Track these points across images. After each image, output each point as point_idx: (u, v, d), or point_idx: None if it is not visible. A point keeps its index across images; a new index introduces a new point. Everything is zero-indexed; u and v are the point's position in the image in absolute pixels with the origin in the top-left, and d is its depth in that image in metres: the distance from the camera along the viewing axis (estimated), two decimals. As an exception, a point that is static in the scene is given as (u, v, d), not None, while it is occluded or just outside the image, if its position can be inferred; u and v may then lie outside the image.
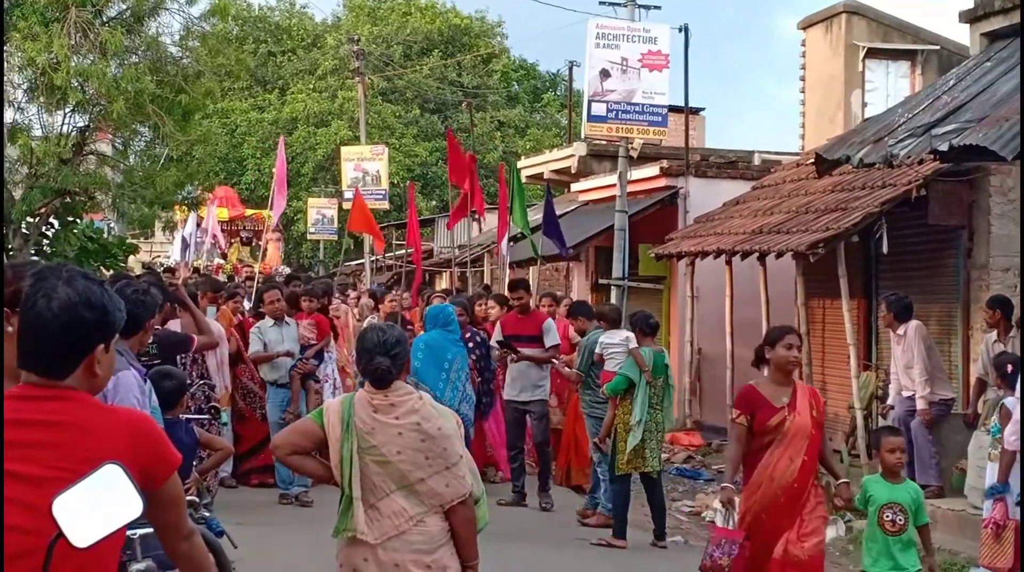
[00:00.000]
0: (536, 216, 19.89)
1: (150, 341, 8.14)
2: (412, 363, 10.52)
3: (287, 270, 36.14)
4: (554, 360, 12.69)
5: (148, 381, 6.11)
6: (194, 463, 7.32)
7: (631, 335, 11.35)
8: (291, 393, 12.25)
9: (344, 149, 34.14)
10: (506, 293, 14.20)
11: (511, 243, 22.71)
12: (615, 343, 11.43)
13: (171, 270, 19.78)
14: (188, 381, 8.44)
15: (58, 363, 3.19)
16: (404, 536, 5.07)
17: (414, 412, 5.14)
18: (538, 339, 12.62)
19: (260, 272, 23.45)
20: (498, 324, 13.23)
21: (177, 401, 7.10)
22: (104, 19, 15.95)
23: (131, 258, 25.12)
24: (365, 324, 13.99)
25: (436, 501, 5.11)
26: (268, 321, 12.58)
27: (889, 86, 20.93)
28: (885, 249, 13.40)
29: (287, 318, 12.68)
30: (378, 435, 5.08)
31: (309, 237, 40.28)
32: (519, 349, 12.49)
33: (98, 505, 2.88)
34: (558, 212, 21.50)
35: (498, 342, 12.83)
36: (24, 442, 3.08)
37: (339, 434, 5.11)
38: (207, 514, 7.38)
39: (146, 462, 3.20)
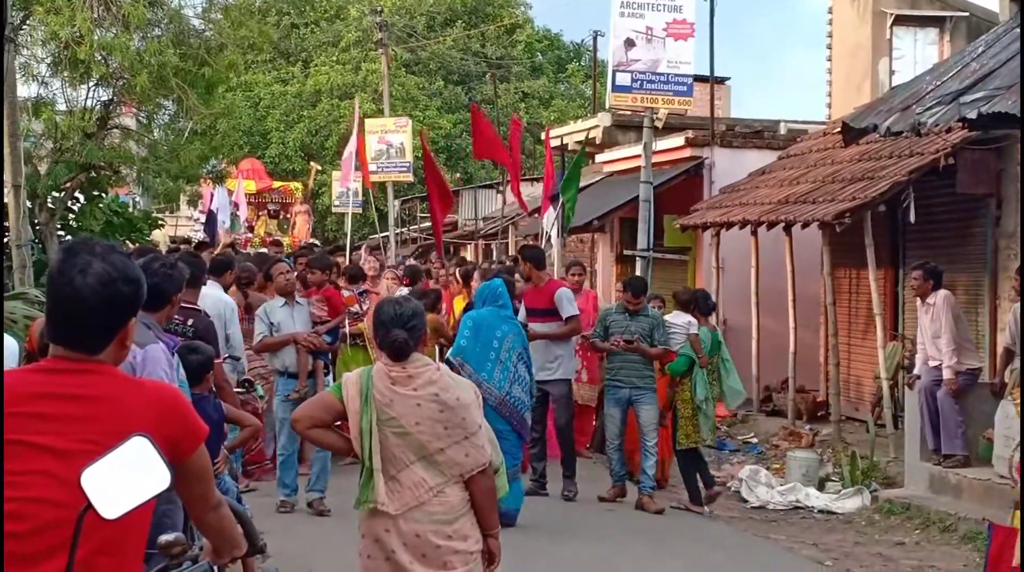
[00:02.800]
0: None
1: (190, 322, 8.17)
2: (458, 341, 10.10)
3: (316, 242, 36.12)
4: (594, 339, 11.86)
5: (176, 355, 6.14)
6: (223, 441, 7.34)
7: (693, 320, 11.78)
8: (298, 368, 10.50)
9: (368, 122, 34.08)
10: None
11: (534, 215, 22.63)
12: (678, 325, 11.79)
13: (202, 245, 19.59)
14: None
15: (96, 338, 3.20)
16: (424, 507, 5.11)
17: (432, 383, 5.18)
18: (553, 312, 11.65)
19: (291, 245, 23.40)
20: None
21: (204, 376, 7.11)
22: (126, -9, 15.91)
23: (155, 232, 25.10)
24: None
25: (456, 471, 5.15)
26: (277, 300, 10.84)
27: (917, 53, 20.77)
28: (912, 218, 13.35)
29: (298, 297, 11.01)
30: (396, 406, 5.13)
31: (334, 210, 40.24)
32: (531, 324, 11.56)
33: (126, 477, 2.90)
34: (583, 183, 21.43)
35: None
36: (54, 415, 3.10)
37: (358, 406, 5.15)
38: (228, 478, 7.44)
39: (174, 434, 3.22)
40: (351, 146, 22.75)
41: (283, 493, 10.48)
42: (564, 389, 11.85)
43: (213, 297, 10.73)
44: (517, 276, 13.22)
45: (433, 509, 5.11)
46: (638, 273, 17.16)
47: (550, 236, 17.94)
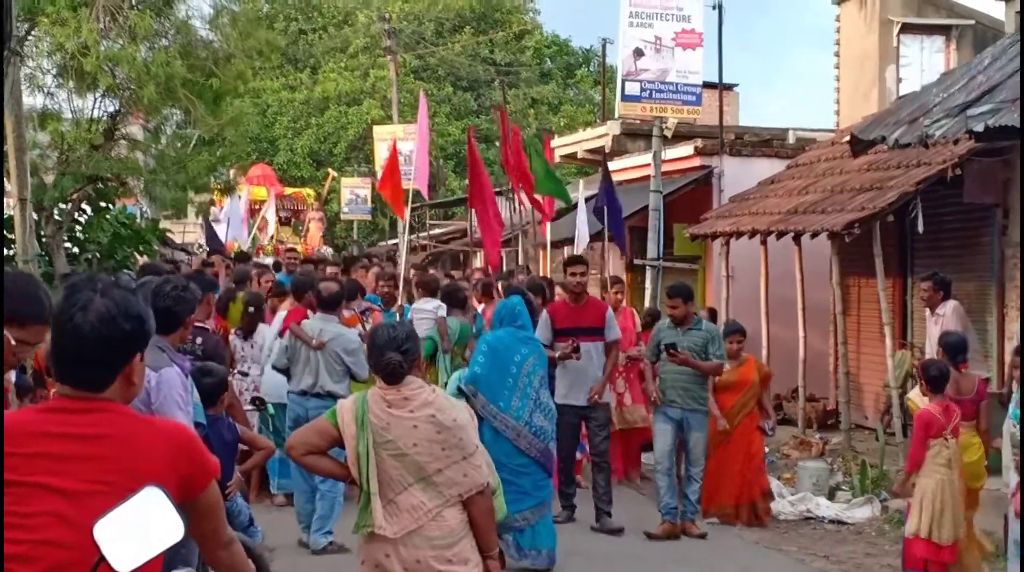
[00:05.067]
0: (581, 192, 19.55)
1: (198, 341, 8.16)
2: (472, 368, 9.50)
3: (329, 250, 36.07)
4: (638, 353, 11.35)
5: (190, 377, 6.13)
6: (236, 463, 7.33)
7: (442, 305, 12.33)
8: None
9: (376, 129, 34.12)
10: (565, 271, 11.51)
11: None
12: (427, 310, 12.39)
13: (213, 252, 19.33)
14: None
15: (98, 375, 3.19)
16: (423, 531, 5.12)
17: (428, 404, 5.22)
18: (599, 332, 10.90)
19: (304, 252, 23.23)
20: (544, 315, 11.09)
21: (218, 398, 7.11)
22: (132, 2, 15.85)
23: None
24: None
25: (455, 491, 5.17)
26: (317, 317, 10.46)
27: (924, 61, 20.80)
28: (921, 228, 13.31)
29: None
30: (394, 429, 5.16)
31: (343, 217, 40.33)
32: (580, 346, 10.65)
33: (140, 528, 2.88)
34: (592, 192, 21.42)
35: (553, 335, 10.84)
36: (62, 455, 3.09)
37: (354, 431, 5.19)
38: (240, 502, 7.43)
39: (185, 472, 3.21)
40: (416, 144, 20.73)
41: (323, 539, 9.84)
42: (605, 416, 11.20)
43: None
44: (560, 290, 12.72)
45: (432, 533, 5.13)
46: (648, 282, 17.17)
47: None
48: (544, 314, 11.16)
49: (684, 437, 10.77)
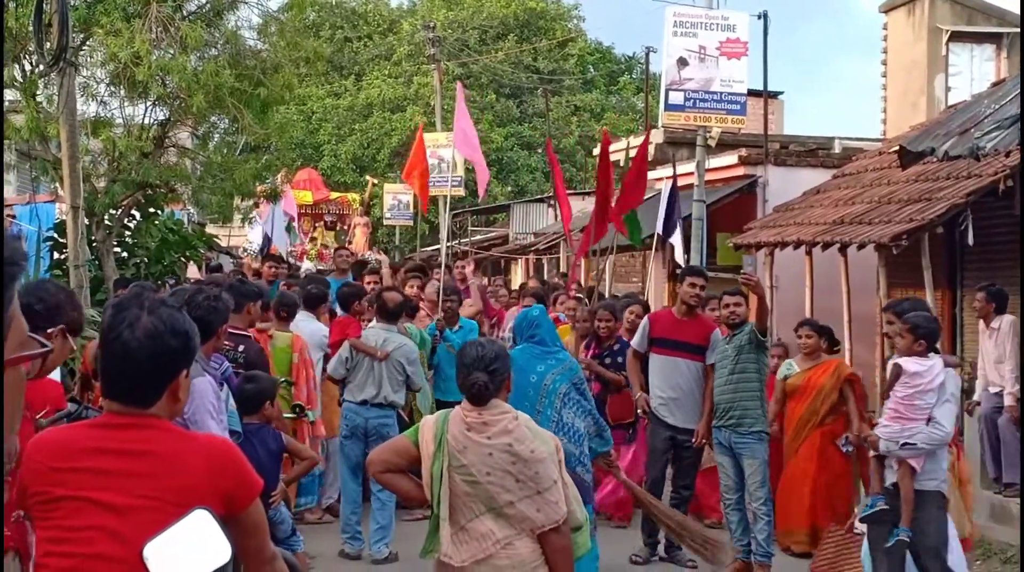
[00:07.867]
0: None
1: (240, 349, 8.20)
2: None
3: (374, 256, 36.20)
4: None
5: (225, 385, 6.16)
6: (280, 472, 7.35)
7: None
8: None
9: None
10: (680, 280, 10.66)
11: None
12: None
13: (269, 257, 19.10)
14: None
15: (145, 392, 3.25)
16: (492, 560, 4.88)
17: (507, 432, 4.96)
18: (700, 351, 10.07)
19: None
20: (644, 322, 10.51)
21: (260, 406, 7.13)
22: (184, 14, 16.03)
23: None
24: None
25: (526, 525, 4.92)
26: (379, 327, 10.45)
27: (974, 70, 20.55)
28: (971, 241, 13.16)
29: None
30: (469, 454, 4.92)
31: (385, 222, 40.47)
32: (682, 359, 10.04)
33: (188, 551, 2.92)
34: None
35: (649, 344, 10.23)
36: (109, 471, 3.15)
37: (432, 451, 4.97)
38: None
39: (228, 489, 3.25)
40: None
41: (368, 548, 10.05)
42: (699, 449, 10.33)
43: (308, 330, 10.68)
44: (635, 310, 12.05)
45: (501, 563, 4.88)
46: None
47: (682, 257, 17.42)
48: (644, 320, 10.59)
49: (740, 464, 9.73)
